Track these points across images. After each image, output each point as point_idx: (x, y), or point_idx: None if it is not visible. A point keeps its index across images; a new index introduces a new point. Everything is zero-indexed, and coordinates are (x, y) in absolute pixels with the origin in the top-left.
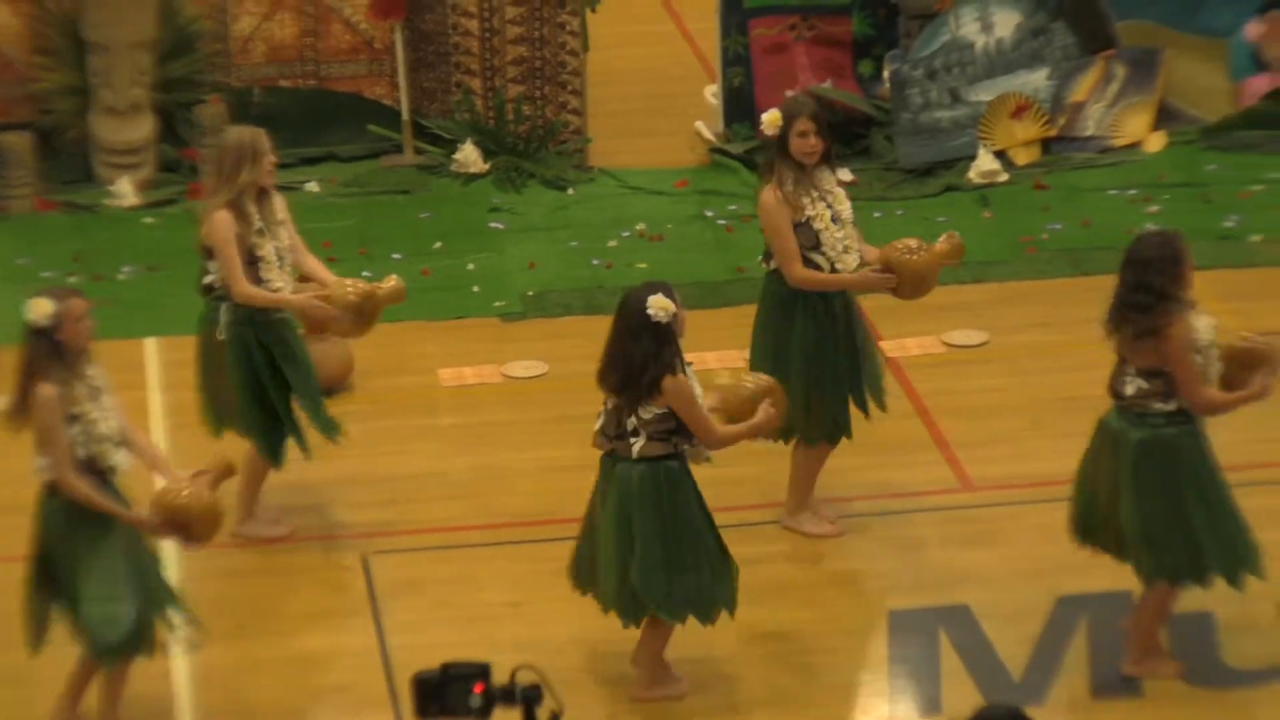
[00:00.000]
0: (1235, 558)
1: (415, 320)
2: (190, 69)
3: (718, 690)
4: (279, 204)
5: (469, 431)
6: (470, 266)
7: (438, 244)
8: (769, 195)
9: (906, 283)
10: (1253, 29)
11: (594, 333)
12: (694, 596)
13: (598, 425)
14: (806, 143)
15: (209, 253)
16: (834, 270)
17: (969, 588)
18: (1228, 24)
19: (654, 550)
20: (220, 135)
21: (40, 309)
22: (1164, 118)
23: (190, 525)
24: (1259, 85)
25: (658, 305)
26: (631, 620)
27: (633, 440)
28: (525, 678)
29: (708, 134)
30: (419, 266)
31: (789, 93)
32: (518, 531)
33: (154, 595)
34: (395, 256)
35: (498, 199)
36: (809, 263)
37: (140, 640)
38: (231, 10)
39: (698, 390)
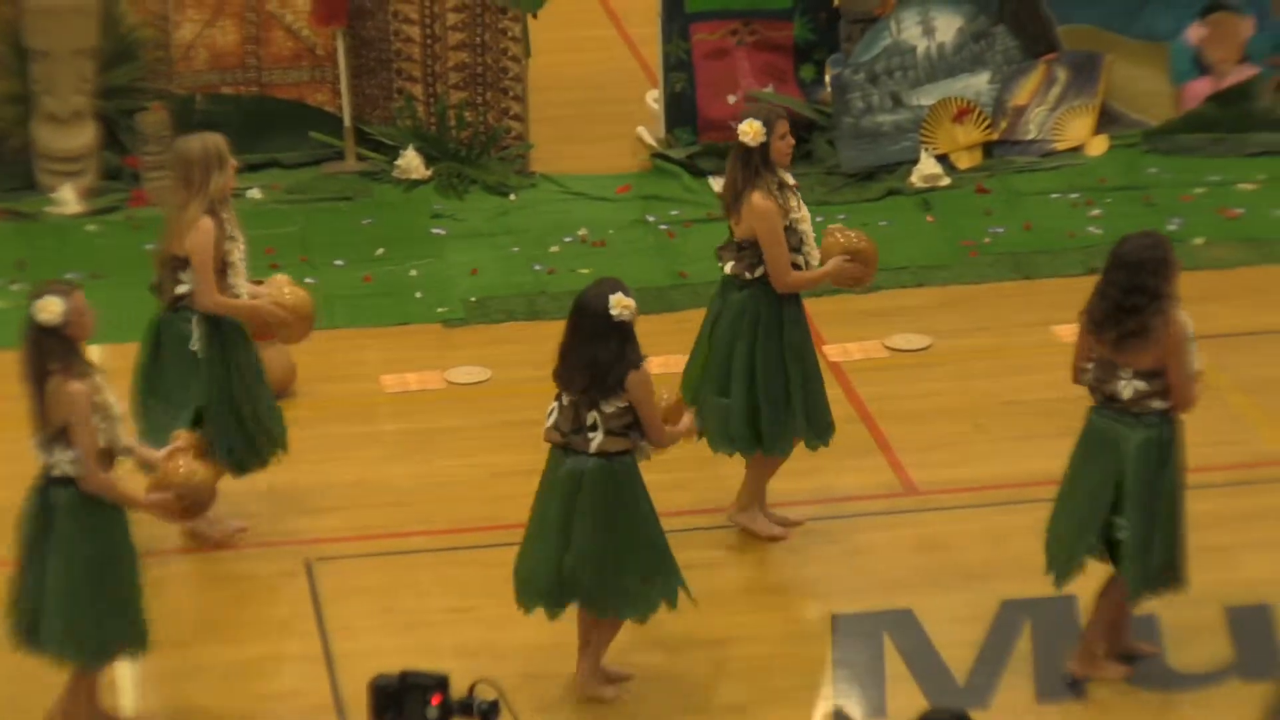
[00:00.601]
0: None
1: (358, 327)
2: (132, 76)
3: (661, 695)
4: (232, 210)
5: (412, 437)
6: (413, 273)
7: (380, 250)
8: (766, 202)
9: (871, 265)
10: (1194, 32)
11: (536, 338)
12: (631, 594)
13: (550, 420)
14: (787, 144)
15: (183, 263)
16: (808, 267)
17: (913, 592)
18: (1169, 27)
19: (593, 545)
20: (179, 145)
21: (51, 308)
22: (1106, 121)
23: (198, 499)
24: (1200, 88)
25: (620, 305)
26: (556, 609)
27: (591, 435)
28: (484, 692)
29: (649, 139)
30: (361, 273)
31: (731, 98)
32: (461, 537)
33: (139, 595)
34: (338, 263)
35: (440, 205)
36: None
37: (131, 640)
38: (173, 18)
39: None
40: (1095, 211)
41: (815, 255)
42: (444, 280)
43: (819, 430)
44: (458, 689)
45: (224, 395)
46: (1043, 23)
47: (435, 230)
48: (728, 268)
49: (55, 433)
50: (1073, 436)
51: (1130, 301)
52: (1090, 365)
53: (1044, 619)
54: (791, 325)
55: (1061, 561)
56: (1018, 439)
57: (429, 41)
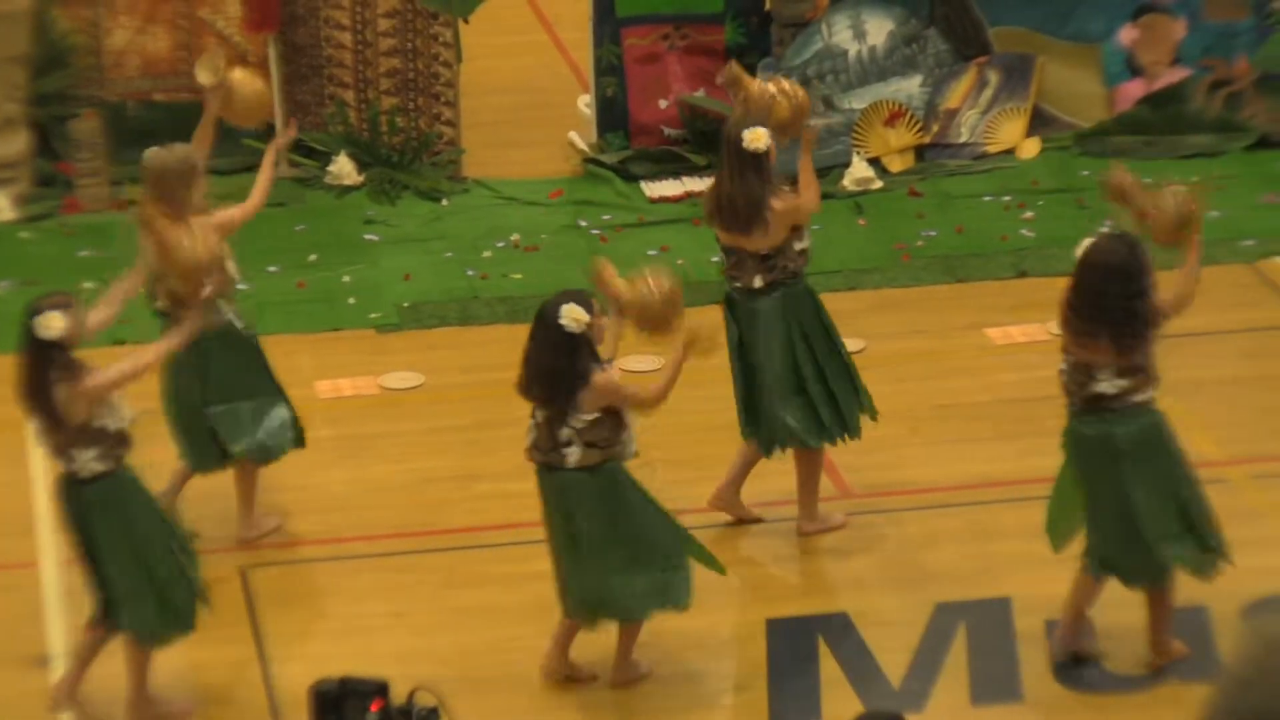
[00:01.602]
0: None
1: (291, 333)
2: (64, 83)
3: (597, 701)
4: None
5: (345, 443)
6: (345, 279)
7: (313, 256)
8: (789, 199)
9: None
10: (1126, 34)
11: (469, 343)
12: (652, 590)
13: (530, 440)
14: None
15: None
16: None
17: (848, 595)
18: (1100, 29)
19: (599, 555)
20: (150, 159)
21: (54, 324)
22: (1038, 124)
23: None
24: (1133, 90)
25: (570, 316)
26: (589, 622)
27: (566, 451)
28: (424, 699)
29: (581, 144)
30: (294, 279)
31: (663, 102)
32: (396, 543)
33: (188, 571)
34: (271, 269)
35: (372, 211)
36: (802, 258)
37: (182, 620)
38: (105, 24)
39: (616, 376)
40: (1028, 214)
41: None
42: (377, 286)
43: (848, 426)
44: (396, 695)
45: (190, 399)
46: (974, 25)
47: (368, 236)
48: (756, 282)
49: (74, 435)
50: (1007, 439)
51: (1135, 307)
52: (1063, 369)
53: (979, 622)
54: (814, 322)
55: (1148, 563)
56: (952, 442)
57: (360, 48)
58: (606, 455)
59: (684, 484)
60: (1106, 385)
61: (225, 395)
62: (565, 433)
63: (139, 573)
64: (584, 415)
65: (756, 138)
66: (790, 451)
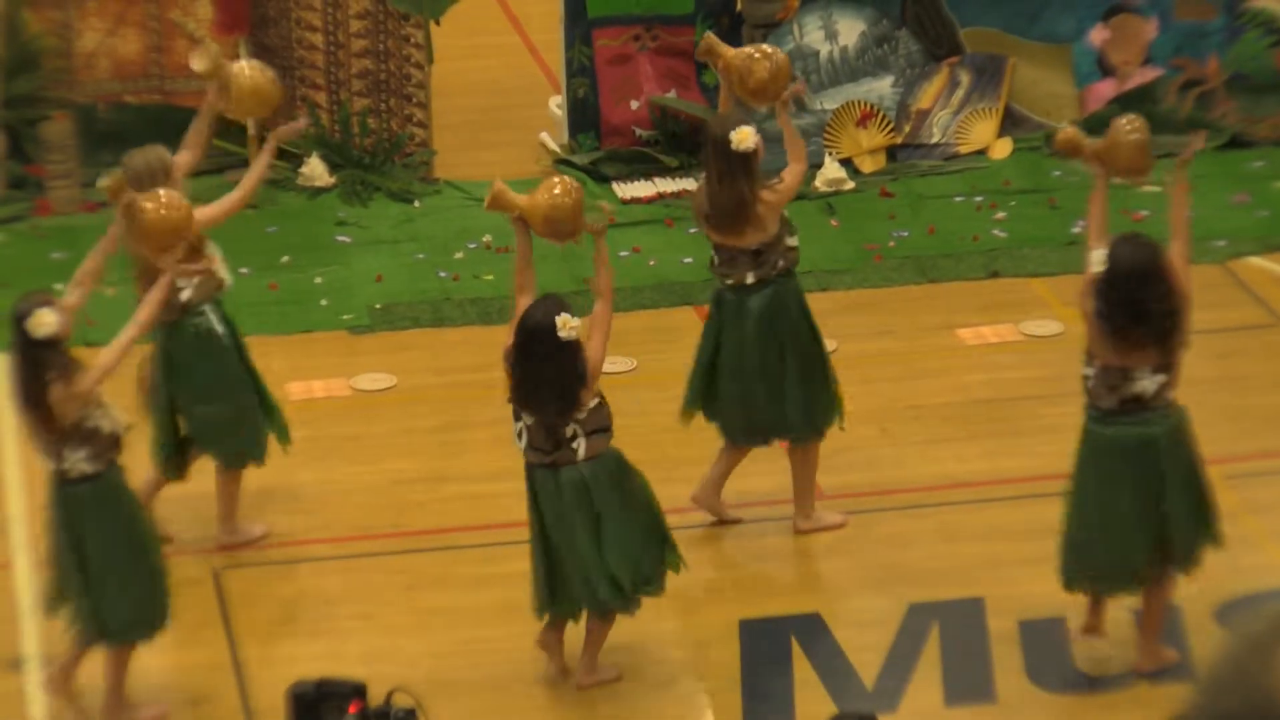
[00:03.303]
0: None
1: (262, 335)
2: (35, 86)
3: (569, 701)
4: None
5: (317, 445)
6: (317, 280)
7: (285, 258)
8: (778, 187)
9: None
10: (1096, 34)
11: (441, 345)
12: (660, 566)
13: (523, 443)
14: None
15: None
16: None
17: (820, 596)
18: (1071, 30)
19: (627, 531)
20: (127, 160)
21: (46, 320)
22: (1009, 124)
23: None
24: (1104, 90)
25: (566, 326)
26: (626, 605)
27: (575, 445)
28: (401, 701)
29: (552, 145)
30: (266, 281)
31: (634, 103)
32: (367, 544)
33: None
34: (242, 271)
35: (344, 212)
36: (794, 253)
37: (159, 619)
38: (75, 26)
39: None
40: (999, 214)
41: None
42: (349, 287)
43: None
44: (373, 696)
45: (165, 403)
46: (945, 26)
47: (340, 238)
48: (749, 278)
49: (65, 434)
50: (979, 440)
51: (1172, 306)
52: (1090, 374)
53: (952, 622)
54: (798, 317)
55: (1122, 573)
56: (923, 443)
57: (332, 49)
58: (609, 435)
59: (655, 483)
60: (1147, 383)
61: (200, 400)
62: (569, 429)
63: (122, 574)
64: (585, 407)
65: (743, 138)
66: (764, 450)
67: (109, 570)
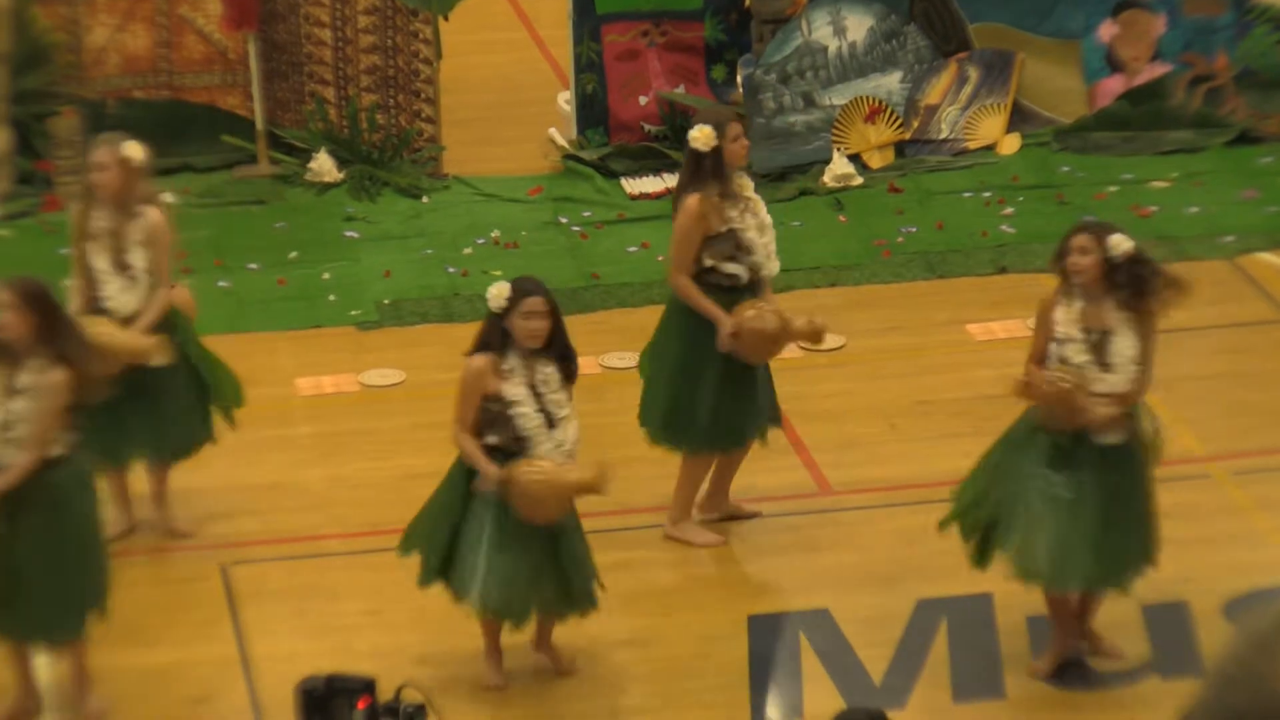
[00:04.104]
0: None
1: (271, 330)
2: (44, 81)
3: (578, 696)
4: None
5: (326, 440)
6: (326, 276)
7: (293, 254)
8: (697, 202)
9: (751, 346)
10: (1105, 30)
11: (450, 340)
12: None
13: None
14: (741, 145)
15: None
16: (757, 278)
17: (829, 592)
18: (1080, 25)
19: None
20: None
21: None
22: (1017, 120)
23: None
24: (1112, 86)
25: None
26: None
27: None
28: (410, 696)
29: (561, 141)
30: (275, 276)
31: (643, 99)
32: (375, 540)
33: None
34: (251, 267)
35: (352, 208)
36: (722, 273)
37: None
38: (84, 22)
39: None
40: (1007, 210)
41: (772, 266)
42: (357, 283)
43: (735, 439)
44: (382, 692)
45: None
46: (954, 21)
47: (348, 233)
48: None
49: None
50: (987, 436)
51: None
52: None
53: (960, 618)
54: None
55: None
56: (932, 439)
57: (340, 45)
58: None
59: (656, 479)
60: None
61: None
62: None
63: (69, 573)
64: None
65: (698, 135)
66: (763, 450)
67: (54, 568)
